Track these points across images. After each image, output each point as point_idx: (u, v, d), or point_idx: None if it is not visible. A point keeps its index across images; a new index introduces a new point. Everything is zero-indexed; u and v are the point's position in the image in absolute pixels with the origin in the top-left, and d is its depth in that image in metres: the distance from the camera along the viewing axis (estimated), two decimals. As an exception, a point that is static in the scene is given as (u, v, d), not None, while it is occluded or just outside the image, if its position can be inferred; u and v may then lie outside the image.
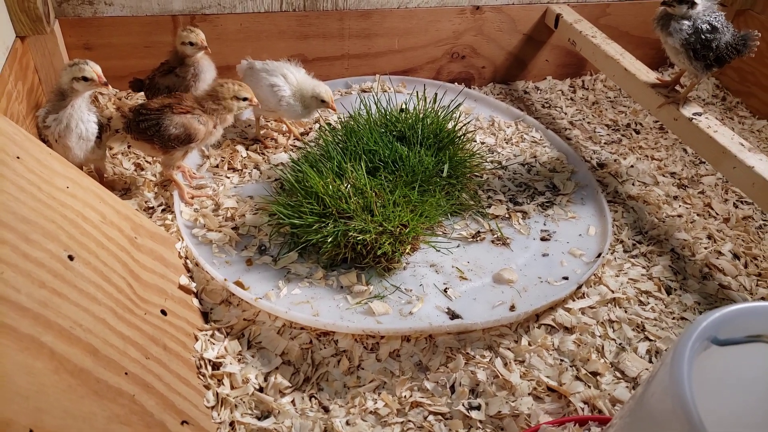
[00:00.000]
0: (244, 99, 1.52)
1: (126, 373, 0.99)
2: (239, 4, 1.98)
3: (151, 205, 1.62)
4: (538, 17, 2.25)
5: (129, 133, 1.54)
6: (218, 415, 1.14)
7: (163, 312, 1.20)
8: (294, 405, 1.20)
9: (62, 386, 0.86)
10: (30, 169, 1.11)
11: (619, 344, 1.38)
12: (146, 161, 1.78)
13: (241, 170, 1.76)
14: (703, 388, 0.65)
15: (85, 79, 1.42)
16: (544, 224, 1.65)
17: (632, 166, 1.96)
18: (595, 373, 1.30)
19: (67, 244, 1.07)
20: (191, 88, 1.72)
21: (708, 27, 1.55)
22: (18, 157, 1.10)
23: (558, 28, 2.18)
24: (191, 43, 1.67)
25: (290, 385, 1.22)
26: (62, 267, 1.02)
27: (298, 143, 1.90)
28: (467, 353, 1.31)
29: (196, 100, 1.52)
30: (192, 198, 1.60)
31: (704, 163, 2.03)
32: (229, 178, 1.72)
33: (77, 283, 1.03)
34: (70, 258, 1.05)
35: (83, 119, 1.48)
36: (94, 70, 1.43)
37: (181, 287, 1.32)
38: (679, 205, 1.81)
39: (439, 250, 1.52)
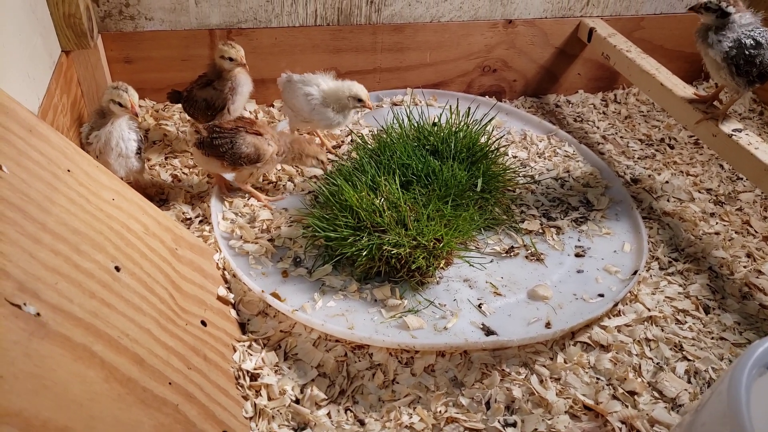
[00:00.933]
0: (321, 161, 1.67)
1: (170, 383, 1.01)
2: (275, 19, 2.02)
3: (188, 216, 1.65)
4: (571, 31, 2.25)
5: (200, 149, 1.58)
6: (256, 426, 1.15)
7: (203, 323, 1.22)
8: (330, 417, 1.21)
9: (112, 395, 0.88)
10: (80, 182, 1.14)
11: (657, 363, 1.36)
12: (183, 173, 1.82)
13: (276, 182, 1.78)
14: (758, 415, 0.63)
15: (120, 105, 1.48)
16: (579, 240, 1.64)
17: (667, 182, 1.93)
18: (632, 393, 1.28)
19: (114, 255, 1.10)
20: (228, 101, 1.76)
21: (752, 42, 1.53)
22: (69, 170, 1.14)
23: (591, 41, 2.17)
24: (230, 59, 1.71)
25: (326, 397, 1.23)
26: (110, 278, 1.05)
27: (330, 156, 1.92)
28: (503, 370, 1.30)
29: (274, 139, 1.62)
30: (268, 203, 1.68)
31: (742, 179, 1.99)
32: (265, 190, 1.74)
33: (124, 294, 1.05)
34: (117, 269, 1.08)
35: (123, 137, 1.53)
36: (130, 98, 1.48)
37: (220, 298, 1.34)
38: (716, 222, 1.78)
39: (472, 265, 1.51)
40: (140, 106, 2.07)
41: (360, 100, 1.72)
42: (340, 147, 1.97)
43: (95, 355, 0.89)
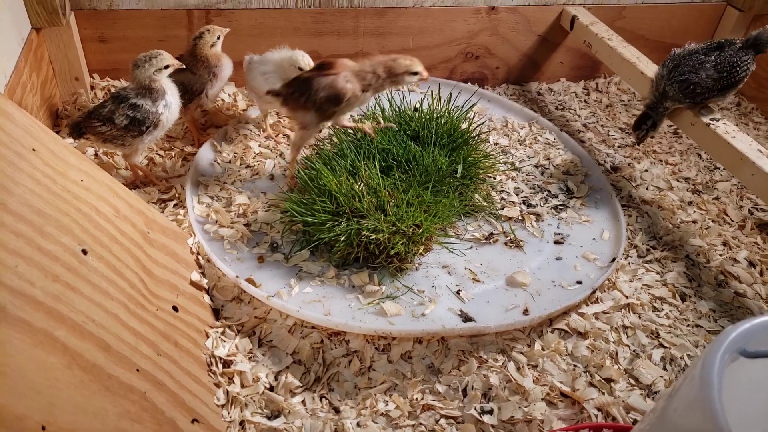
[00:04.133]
0: (415, 73, 1.52)
1: (137, 370, 0.98)
2: (255, 0, 1.97)
3: (163, 199, 1.61)
4: (554, 19, 2.23)
5: (286, 106, 1.56)
6: (228, 413, 1.13)
7: (175, 308, 1.19)
8: (304, 405, 1.19)
9: (74, 382, 0.85)
10: (45, 162, 1.10)
11: (633, 350, 1.36)
12: (158, 155, 1.77)
13: (254, 166, 1.74)
14: (729, 401, 0.63)
15: (167, 67, 1.51)
16: (558, 227, 1.63)
17: (646, 170, 1.94)
18: (608, 380, 1.29)
19: (81, 238, 1.06)
20: (206, 85, 1.71)
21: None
22: (34, 149, 1.09)
23: (573, 29, 2.16)
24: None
25: (301, 384, 1.21)
26: (76, 261, 1.01)
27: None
28: (480, 356, 1.29)
29: (355, 73, 1.51)
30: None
31: (719, 168, 2.00)
32: (241, 173, 1.71)
33: (90, 278, 1.02)
34: (84, 252, 1.05)
35: (174, 93, 1.57)
36: (170, 56, 1.53)
37: (193, 283, 1.31)
38: (694, 211, 1.79)
39: (452, 252, 1.50)
40: (114, 87, 2.01)
41: (300, 68, 1.64)
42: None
43: (57, 341, 0.86)
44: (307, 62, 1.66)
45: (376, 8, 2.06)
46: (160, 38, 1.99)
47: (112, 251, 1.12)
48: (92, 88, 2.00)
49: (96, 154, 1.74)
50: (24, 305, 0.84)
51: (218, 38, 1.72)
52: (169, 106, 1.54)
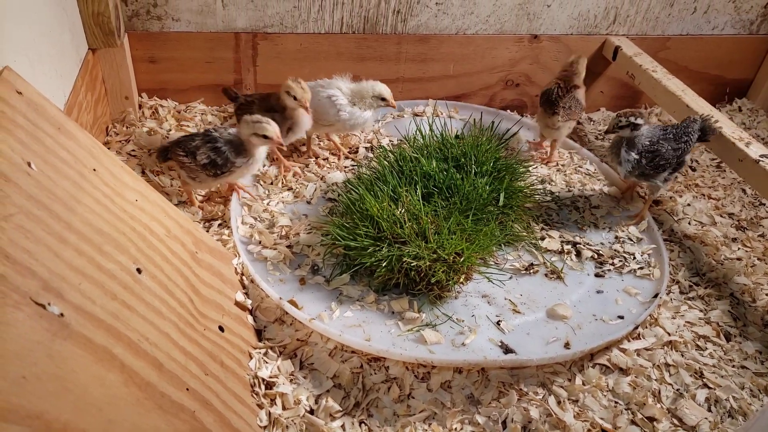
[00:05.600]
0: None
1: (187, 389, 1.00)
2: (300, 25, 2.03)
3: (207, 219, 1.64)
4: (596, 48, 2.23)
5: (558, 115, 1.83)
6: (270, 435, 1.14)
7: (221, 328, 1.21)
8: (344, 430, 1.19)
9: (131, 399, 0.87)
10: (105, 182, 1.14)
11: (677, 390, 1.33)
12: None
13: (296, 189, 1.77)
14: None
15: (265, 137, 1.52)
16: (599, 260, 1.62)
17: (688, 205, 1.91)
18: (651, 419, 1.26)
19: (136, 257, 1.09)
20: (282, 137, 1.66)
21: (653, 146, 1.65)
22: (95, 170, 1.13)
23: (616, 60, 2.15)
24: (294, 97, 1.66)
25: (341, 409, 1.21)
26: (131, 280, 1.04)
27: (349, 162, 1.92)
28: (520, 389, 1.28)
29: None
30: None
31: (764, 204, 1.96)
32: (283, 195, 1.74)
33: (144, 297, 1.05)
34: (138, 271, 1.08)
35: (261, 156, 1.60)
36: (275, 130, 1.53)
37: (237, 304, 1.33)
38: (738, 248, 1.76)
39: (492, 282, 1.50)
40: (162, 106, 2.08)
41: (383, 99, 1.75)
42: (356, 152, 1.96)
43: (115, 358, 0.88)
44: (390, 95, 1.75)
45: (419, 35, 2.10)
46: (207, 60, 2.05)
47: (164, 270, 1.15)
48: (140, 106, 2.06)
49: (143, 172, 1.79)
50: (86, 322, 0.87)
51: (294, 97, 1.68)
52: (251, 164, 1.57)
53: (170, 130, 1.96)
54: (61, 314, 0.83)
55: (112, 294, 0.97)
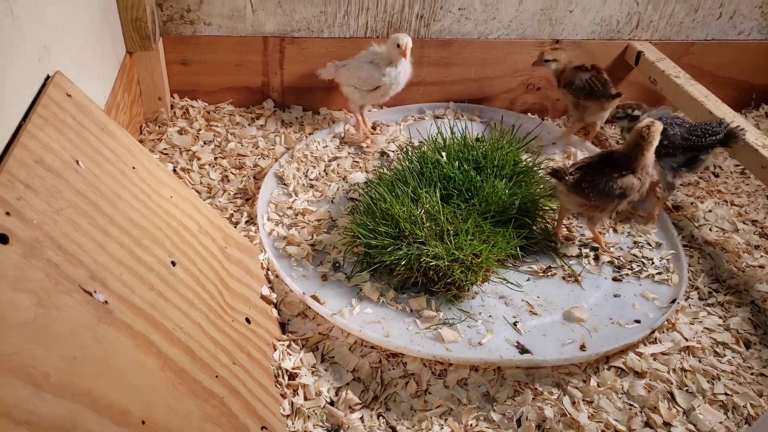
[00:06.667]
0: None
1: (216, 376, 1.06)
2: (326, 29, 2.08)
3: (235, 217, 1.71)
4: (618, 53, 2.24)
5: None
6: (292, 423, 1.19)
7: (248, 320, 1.27)
8: (363, 422, 1.24)
9: (167, 384, 0.93)
10: (143, 179, 1.21)
11: (693, 395, 1.35)
12: (232, 173, 1.88)
13: (319, 188, 1.83)
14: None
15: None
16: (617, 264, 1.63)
17: (710, 211, 1.91)
18: (666, 423, 1.28)
19: (171, 251, 1.16)
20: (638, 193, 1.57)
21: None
22: (134, 167, 1.20)
23: (639, 65, 2.16)
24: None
25: (360, 401, 1.26)
26: (167, 272, 1.10)
27: (371, 162, 1.97)
28: (535, 388, 1.31)
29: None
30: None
31: (788, 212, 1.95)
32: (307, 194, 1.79)
33: (178, 288, 1.11)
34: (173, 264, 1.14)
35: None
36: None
37: (263, 297, 1.39)
38: (761, 255, 1.75)
39: (509, 283, 1.53)
40: (192, 107, 2.15)
41: (398, 46, 1.81)
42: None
43: (153, 345, 0.95)
44: (404, 41, 1.82)
45: (442, 39, 2.14)
46: (237, 62, 2.12)
47: (196, 264, 1.21)
48: (172, 107, 2.14)
49: (174, 170, 1.87)
50: (127, 310, 0.93)
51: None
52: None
53: (200, 129, 2.04)
54: (106, 302, 0.89)
55: (149, 285, 1.03)
